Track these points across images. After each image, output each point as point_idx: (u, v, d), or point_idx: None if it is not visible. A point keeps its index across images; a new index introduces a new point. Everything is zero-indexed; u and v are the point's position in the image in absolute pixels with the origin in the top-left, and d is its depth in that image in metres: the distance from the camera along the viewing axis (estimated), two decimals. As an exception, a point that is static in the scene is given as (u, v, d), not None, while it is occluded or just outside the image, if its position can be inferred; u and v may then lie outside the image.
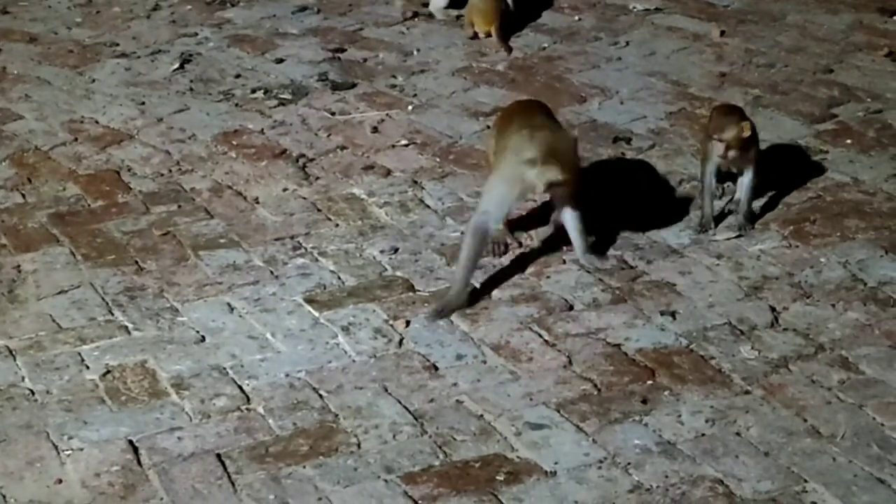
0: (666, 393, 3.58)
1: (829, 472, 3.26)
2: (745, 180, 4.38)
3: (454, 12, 6.22)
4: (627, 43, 5.96)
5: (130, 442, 3.42)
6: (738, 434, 3.41)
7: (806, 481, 3.23)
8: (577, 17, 6.29)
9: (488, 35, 5.98)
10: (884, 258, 4.21)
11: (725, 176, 4.51)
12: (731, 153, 4.29)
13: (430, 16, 6.27)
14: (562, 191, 4.05)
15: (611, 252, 4.25)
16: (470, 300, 3.98)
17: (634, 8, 6.36)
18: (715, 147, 4.30)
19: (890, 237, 4.31)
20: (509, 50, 5.87)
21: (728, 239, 4.33)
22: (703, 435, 3.41)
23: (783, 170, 4.71)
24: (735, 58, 5.77)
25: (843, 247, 4.28)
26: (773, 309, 3.95)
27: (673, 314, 3.92)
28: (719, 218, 4.44)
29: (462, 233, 4.39)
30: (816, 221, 4.44)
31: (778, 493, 3.20)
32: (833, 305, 3.97)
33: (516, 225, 4.36)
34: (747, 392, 3.58)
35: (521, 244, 4.29)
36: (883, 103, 5.28)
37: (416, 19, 6.27)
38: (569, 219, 4.19)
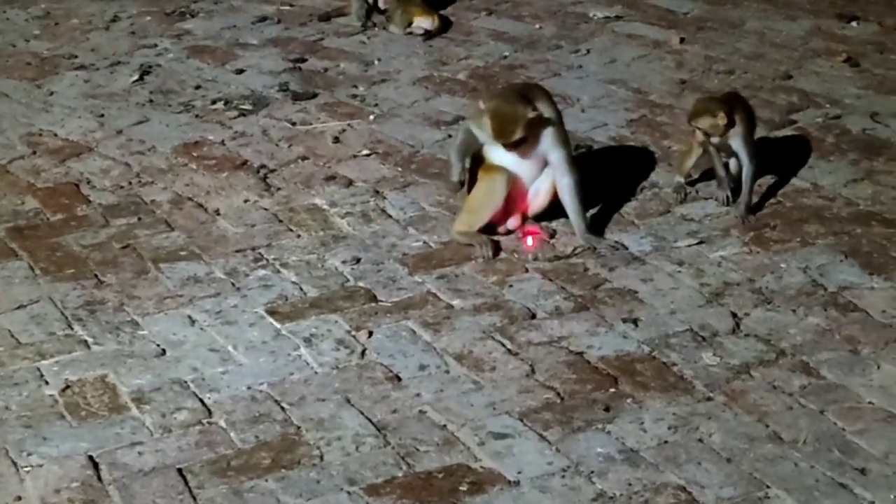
0: (629, 400, 3.58)
1: (790, 478, 3.27)
2: (744, 170, 4.51)
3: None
4: (588, 51, 5.97)
5: (90, 457, 3.38)
6: (700, 441, 3.41)
7: (768, 487, 3.24)
8: (537, 26, 6.30)
9: (429, 33, 6.13)
10: (843, 263, 4.23)
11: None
12: (713, 139, 4.46)
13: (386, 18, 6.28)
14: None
15: (575, 260, 4.26)
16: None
17: (595, 16, 6.38)
18: (695, 134, 4.49)
19: (849, 242, 4.34)
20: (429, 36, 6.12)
21: (689, 246, 4.34)
22: (665, 442, 3.41)
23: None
24: (695, 65, 5.79)
25: (803, 252, 4.30)
26: (734, 315, 3.96)
27: (635, 321, 3.93)
28: (681, 222, 4.47)
29: (424, 242, 4.40)
30: (777, 227, 4.46)
31: (740, 499, 3.21)
32: (794, 311, 3.98)
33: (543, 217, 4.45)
34: (709, 398, 3.58)
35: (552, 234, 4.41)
36: (842, 109, 5.31)
37: (375, 28, 6.27)
38: (565, 194, 4.33)
